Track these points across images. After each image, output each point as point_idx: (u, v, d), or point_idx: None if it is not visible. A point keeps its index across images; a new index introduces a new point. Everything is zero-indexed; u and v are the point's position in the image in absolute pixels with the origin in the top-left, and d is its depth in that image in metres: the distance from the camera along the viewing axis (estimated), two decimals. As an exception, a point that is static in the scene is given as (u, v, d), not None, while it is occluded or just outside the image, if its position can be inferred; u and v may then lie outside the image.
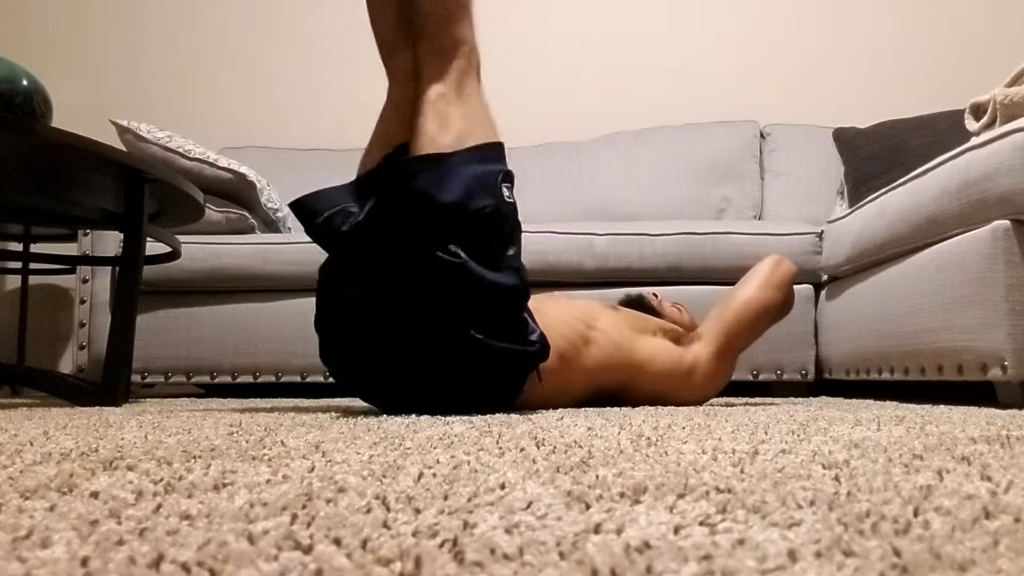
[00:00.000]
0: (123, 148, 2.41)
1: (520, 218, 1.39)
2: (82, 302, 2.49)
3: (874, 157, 2.46)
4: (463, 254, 1.25)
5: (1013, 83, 1.65)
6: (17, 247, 3.09)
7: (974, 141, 1.58)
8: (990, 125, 1.63)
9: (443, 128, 1.32)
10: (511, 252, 1.33)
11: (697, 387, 1.61)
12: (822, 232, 2.43)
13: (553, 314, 1.47)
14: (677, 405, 1.59)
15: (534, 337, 1.33)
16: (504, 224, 1.33)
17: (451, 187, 1.27)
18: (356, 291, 1.30)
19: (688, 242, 2.43)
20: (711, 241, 2.43)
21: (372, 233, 1.28)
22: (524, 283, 1.34)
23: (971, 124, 1.71)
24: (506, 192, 1.34)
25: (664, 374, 1.56)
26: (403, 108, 1.40)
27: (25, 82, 1.67)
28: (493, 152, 1.36)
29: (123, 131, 2.50)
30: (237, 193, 2.61)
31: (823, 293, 2.42)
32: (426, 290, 1.25)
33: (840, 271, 2.27)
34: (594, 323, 1.52)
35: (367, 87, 3.56)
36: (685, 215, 2.90)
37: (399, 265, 1.26)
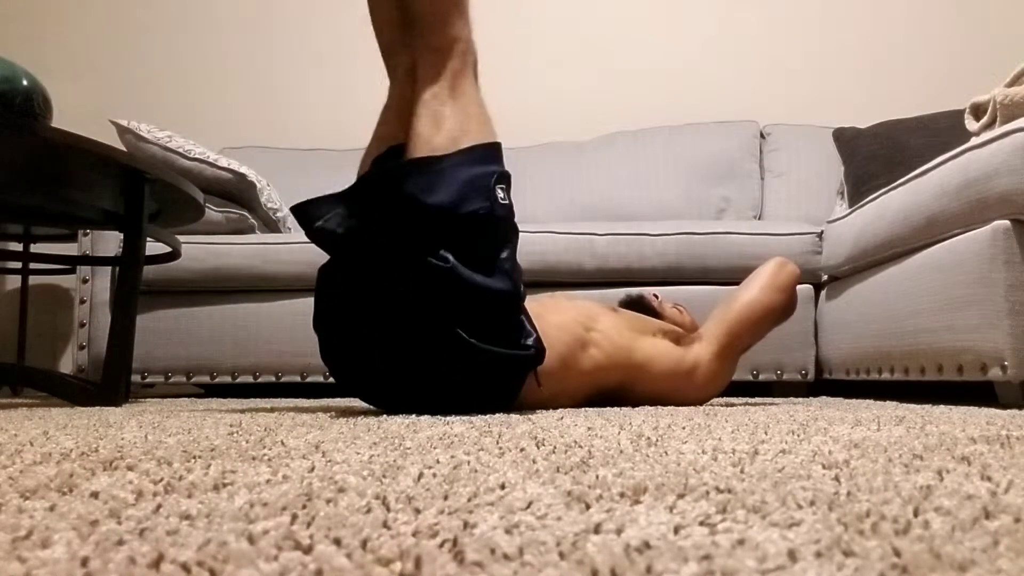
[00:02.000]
0: (123, 148, 2.41)
1: (517, 219, 1.39)
2: (82, 302, 2.49)
3: (874, 157, 2.46)
4: (452, 259, 1.24)
5: (1013, 83, 1.65)
6: (17, 247, 3.09)
7: (974, 141, 1.58)
8: (990, 125, 1.63)
9: (437, 129, 1.31)
10: (504, 255, 1.32)
11: (698, 388, 1.61)
12: (822, 232, 2.43)
13: (552, 316, 1.47)
14: (678, 406, 1.59)
15: (530, 341, 1.32)
16: (498, 227, 1.32)
17: (441, 190, 1.26)
18: (352, 294, 1.30)
19: (688, 242, 2.43)
20: (711, 241, 2.43)
21: (364, 237, 1.28)
22: (517, 287, 1.33)
23: (971, 124, 1.71)
24: (500, 194, 1.32)
25: (665, 375, 1.56)
26: (402, 108, 1.39)
27: (25, 82, 1.67)
28: (488, 153, 1.35)
29: (123, 131, 2.50)
30: (237, 193, 2.61)
31: (823, 293, 2.42)
32: (417, 295, 1.25)
33: (840, 271, 2.27)
34: (594, 324, 1.52)
35: (367, 87, 3.56)
36: (685, 215, 2.90)
37: (390, 270, 1.26)
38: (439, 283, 1.24)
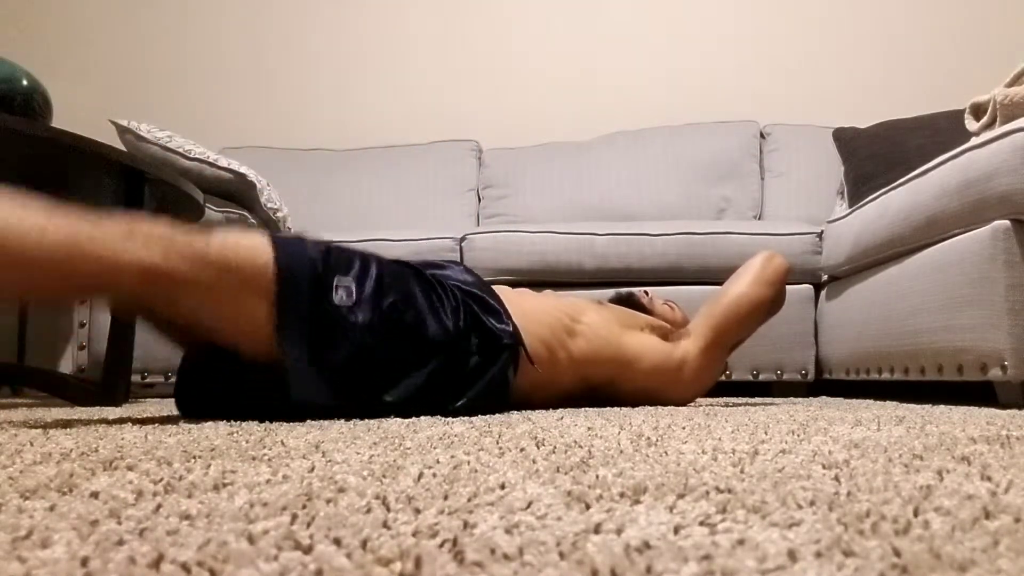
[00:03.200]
0: (123, 148, 2.41)
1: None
2: (82, 302, 2.49)
3: (874, 157, 2.45)
4: (388, 398, 1.18)
5: (1013, 83, 1.65)
6: (17, 247, 3.09)
7: (974, 141, 1.58)
8: (990, 125, 1.63)
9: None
10: (413, 323, 1.21)
11: (686, 383, 1.61)
12: (822, 232, 2.43)
13: (532, 304, 1.47)
14: (666, 402, 1.59)
15: (505, 340, 1.31)
16: (386, 328, 1.17)
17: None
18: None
19: (688, 242, 2.43)
20: (711, 241, 2.43)
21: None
22: (448, 334, 1.23)
23: (971, 124, 1.71)
24: (341, 297, 1.15)
25: (653, 370, 1.56)
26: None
27: (25, 82, 1.67)
28: (288, 269, 1.12)
29: (123, 131, 2.50)
30: (237, 193, 2.61)
31: (823, 293, 2.42)
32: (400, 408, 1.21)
33: (840, 271, 2.27)
34: (579, 317, 1.51)
35: (367, 87, 3.57)
36: (685, 215, 2.90)
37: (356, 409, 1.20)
38: (398, 411, 1.20)
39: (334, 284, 1.15)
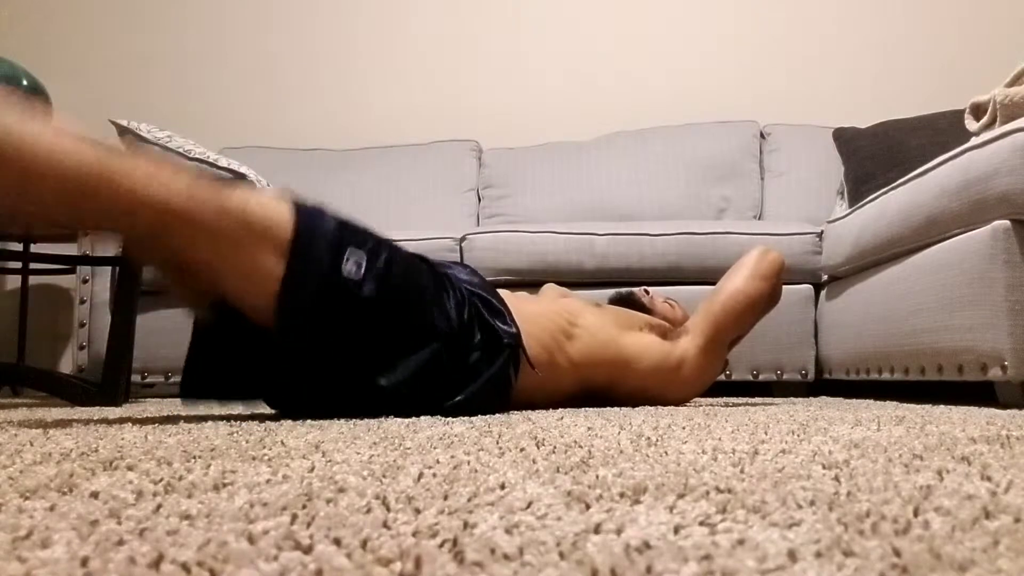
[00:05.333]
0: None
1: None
2: (82, 302, 2.49)
3: (874, 157, 2.46)
4: (383, 380, 1.17)
5: (1013, 83, 1.65)
6: (17, 247, 3.09)
7: (974, 141, 1.58)
8: (990, 125, 1.63)
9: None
10: (413, 314, 1.22)
11: (686, 382, 1.61)
12: (822, 232, 2.43)
13: (532, 308, 1.47)
14: (667, 401, 1.59)
15: (506, 340, 1.31)
16: (382, 304, 1.17)
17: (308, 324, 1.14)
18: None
19: (688, 242, 2.43)
20: (711, 241, 2.43)
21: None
22: (451, 325, 1.24)
23: (971, 124, 1.71)
24: (352, 270, 1.15)
25: (652, 370, 1.56)
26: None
27: (25, 82, 1.67)
28: (305, 233, 1.13)
29: (123, 131, 2.50)
30: (237, 193, 2.61)
31: (823, 293, 2.42)
32: (396, 404, 1.20)
33: (840, 271, 2.27)
34: (577, 319, 1.51)
35: (367, 87, 3.57)
36: (685, 215, 2.90)
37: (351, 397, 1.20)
38: (398, 399, 1.19)
39: (346, 255, 1.15)
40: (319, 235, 1.13)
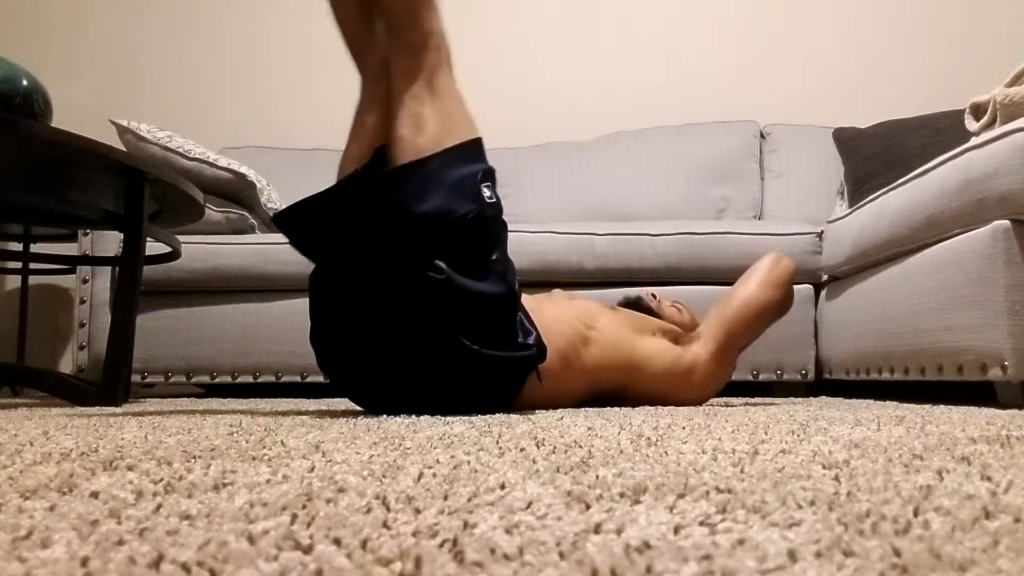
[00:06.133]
0: (123, 148, 2.41)
1: (518, 219, 1.38)
2: (82, 302, 2.49)
3: (874, 157, 2.46)
4: (446, 268, 1.22)
5: (1013, 83, 1.65)
6: (17, 247, 3.09)
7: (974, 141, 1.58)
8: (990, 125, 1.63)
9: (419, 130, 1.29)
10: (495, 256, 1.31)
11: (696, 387, 1.61)
12: (822, 232, 2.43)
13: (552, 313, 1.47)
14: (677, 405, 1.59)
15: (531, 340, 1.32)
16: (487, 229, 1.30)
17: (431, 197, 1.24)
18: (347, 303, 1.28)
19: (688, 242, 2.43)
20: (711, 241, 2.43)
21: (355, 247, 1.26)
22: (511, 286, 1.32)
23: (971, 124, 1.71)
24: (487, 193, 1.29)
25: (663, 374, 1.56)
26: (379, 108, 1.36)
27: (25, 82, 1.67)
28: (471, 151, 1.32)
29: (123, 131, 2.50)
30: (237, 193, 2.61)
31: (823, 293, 2.42)
32: (414, 306, 1.23)
33: (840, 271, 2.27)
34: (593, 323, 1.52)
35: (367, 87, 3.57)
36: (685, 215, 2.90)
37: (384, 281, 1.24)
38: (437, 294, 1.22)
39: (488, 181, 1.31)
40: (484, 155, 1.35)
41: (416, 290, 1.22)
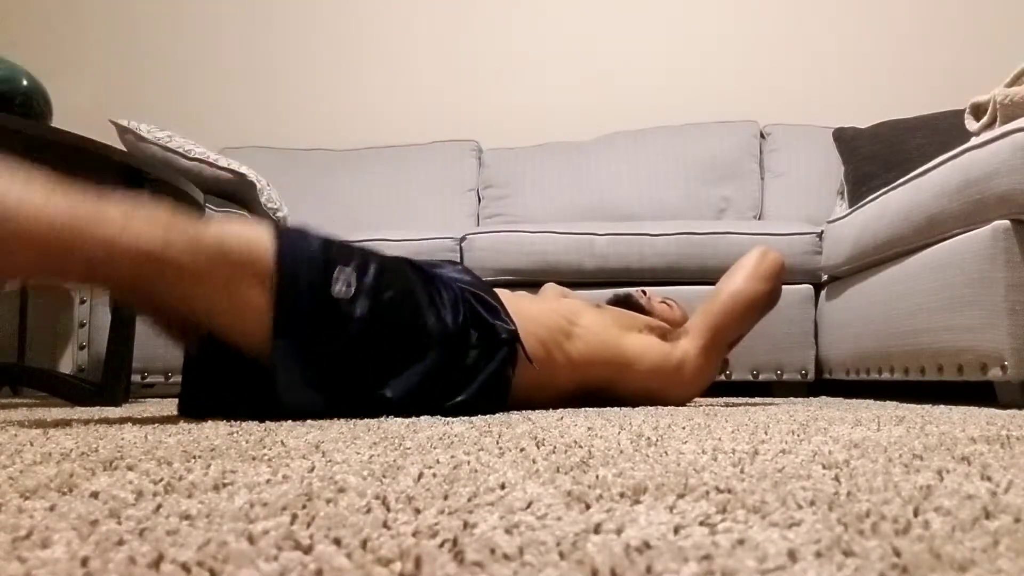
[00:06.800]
0: (123, 148, 2.41)
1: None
2: (82, 302, 2.49)
3: (874, 157, 2.45)
4: (388, 392, 1.16)
5: (1013, 83, 1.65)
6: (17, 247, 3.08)
7: (974, 141, 1.58)
8: (990, 125, 1.63)
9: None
10: (414, 319, 1.21)
11: (685, 383, 1.61)
12: (822, 232, 2.43)
13: (532, 307, 1.47)
14: (666, 402, 1.59)
15: (503, 335, 1.31)
16: (382, 320, 1.16)
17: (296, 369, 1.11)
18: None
19: (688, 242, 2.43)
20: (711, 241, 2.43)
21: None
22: (445, 326, 1.23)
23: (971, 124, 1.71)
24: (342, 289, 1.14)
25: (652, 371, 1.56)
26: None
27: (25, 82, 1.67)
28: (292, 255, 1.12)
29: (123, 131, 2.50)
30: (237, 193, 2.61)
31: (823, 293, 2.42)
32: (397, 407, 1.19)
33: (840, 271, 2.27)
34: (576, 320, 1.51)
35: (367, 87, 3.57)
36: (685, 215, 2.90)
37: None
38: (398, 409, 1.18)
39: (334, 275, 1.13)
40: (303, 259, 1.11)
41: (391, 410, 1.18)
